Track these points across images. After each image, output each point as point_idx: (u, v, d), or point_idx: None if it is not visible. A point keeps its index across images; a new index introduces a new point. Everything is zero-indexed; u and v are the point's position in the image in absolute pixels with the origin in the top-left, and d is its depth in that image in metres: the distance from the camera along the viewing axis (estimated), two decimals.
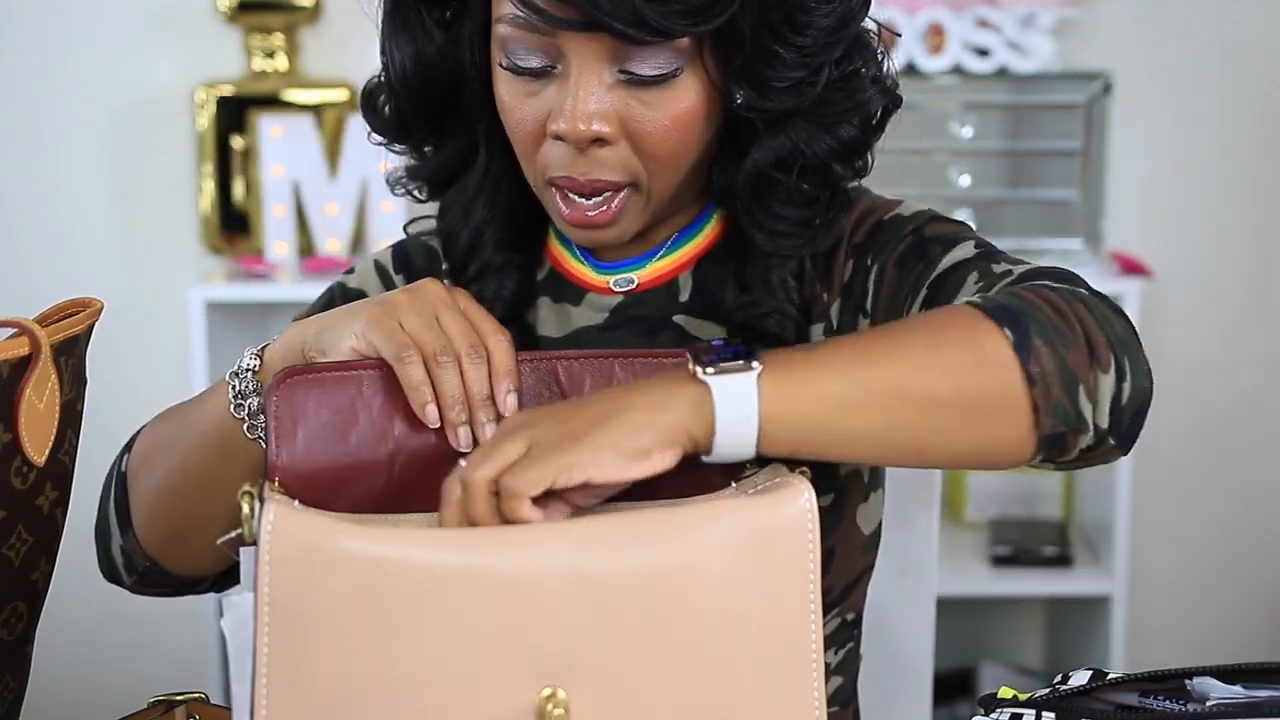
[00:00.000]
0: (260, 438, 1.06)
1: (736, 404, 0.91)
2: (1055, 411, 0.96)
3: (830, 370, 0.93)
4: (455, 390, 1.00)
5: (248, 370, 1.07)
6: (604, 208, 1.11)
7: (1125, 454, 1.01)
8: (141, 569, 1.17)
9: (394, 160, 1.25)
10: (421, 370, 1.00)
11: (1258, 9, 2.55)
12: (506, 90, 1.12)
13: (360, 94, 1.23)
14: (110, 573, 1.20)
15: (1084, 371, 0.97)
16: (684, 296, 1.20)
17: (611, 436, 0.89)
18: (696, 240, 1.21)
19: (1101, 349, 0.97)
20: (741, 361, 0.92)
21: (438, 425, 0.99)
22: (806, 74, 1.09)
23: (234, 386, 1.07)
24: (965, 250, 1.11)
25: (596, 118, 1.07)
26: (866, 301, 1.16)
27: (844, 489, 1.20)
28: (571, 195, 1.11)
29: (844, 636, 1.27)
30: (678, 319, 1.20)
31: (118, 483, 1.17)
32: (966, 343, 0.95)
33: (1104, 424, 0.98)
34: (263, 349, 1.08)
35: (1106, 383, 0.97)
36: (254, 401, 1.06)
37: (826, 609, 1.22)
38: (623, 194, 1.11)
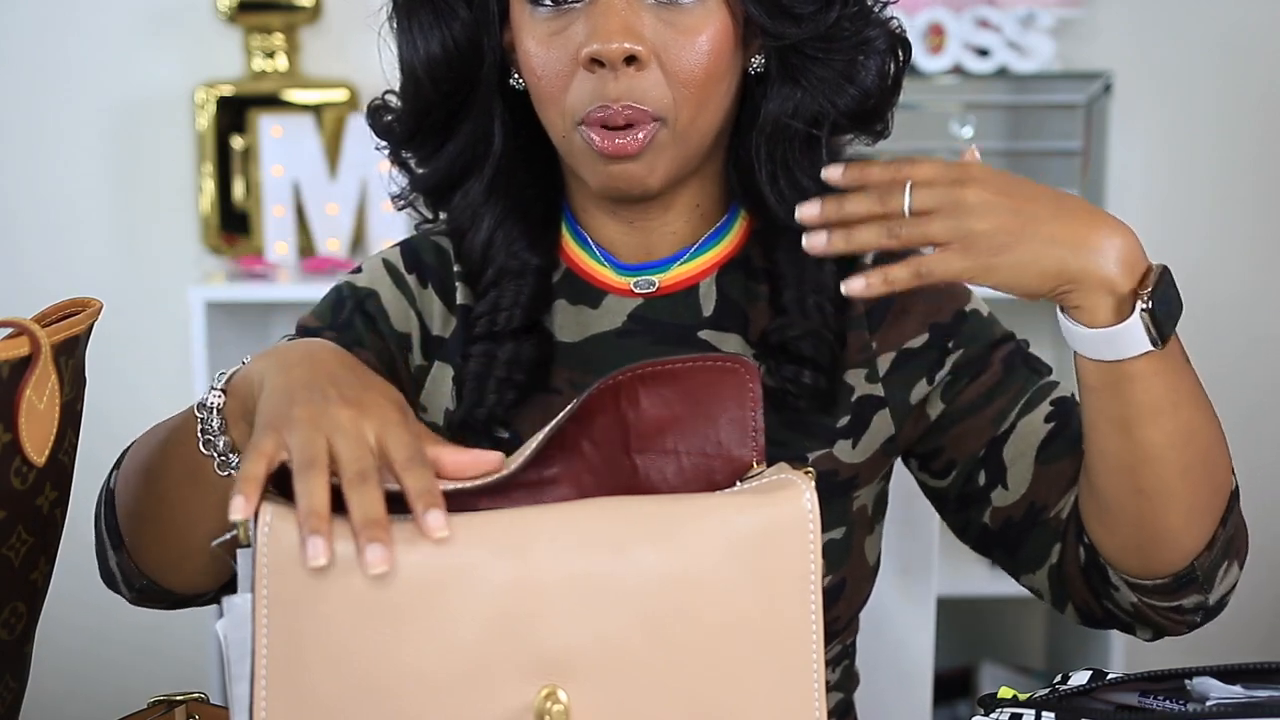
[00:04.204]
0: (233, 473, 0.99)
1: (1127, 339, 1.00)
2: (1212, 560, 1.09)
3: (1187, 391, 1.05)
4: (321, 504, 0.85)
5: (213, 408, 0.99)
6: (635, 135, 1.11)
7: (1177, 635, 1.15)
8: (139, 586, 1.13)
9: (397, 169, 1.24)
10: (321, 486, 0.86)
11: (1257, 9, 2.55)
12: (531, 36, 1.13)
13: (367, 111, 1.23)
14: (110, 583, 1.16)
15: (1233, 556, 1.11)
16: (707, 309, 1.20)
17: (1037, 265, 1.00)
18: (720, 246, 1.21)
19: (1245, 550, 1.13)
20: (1157, 336, 1.01)
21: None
22: (819, 5, 1.13)
23: (201, 422, 1.00)
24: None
25: (629, 34, 1.09)
26: (938, 374, 1.20)
27: (854, 523, 1.20)
28: (605, 129, 1.11)
29: (842, 656, 1.27)
30: (704, 334, 1.20)
31: (107, 502, 1.13)
32: (1226, 463, 1.10)
33: (1211, 603, 1.11)
34: (228, 381, 1.00)
35: (1233, 575, 1.12)
36: (222, 441, 0.99)
37: (831, 637, 1.22)
38: (652, 126, 1.12)
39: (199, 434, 1.00)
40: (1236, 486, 1.12)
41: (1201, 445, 1.06)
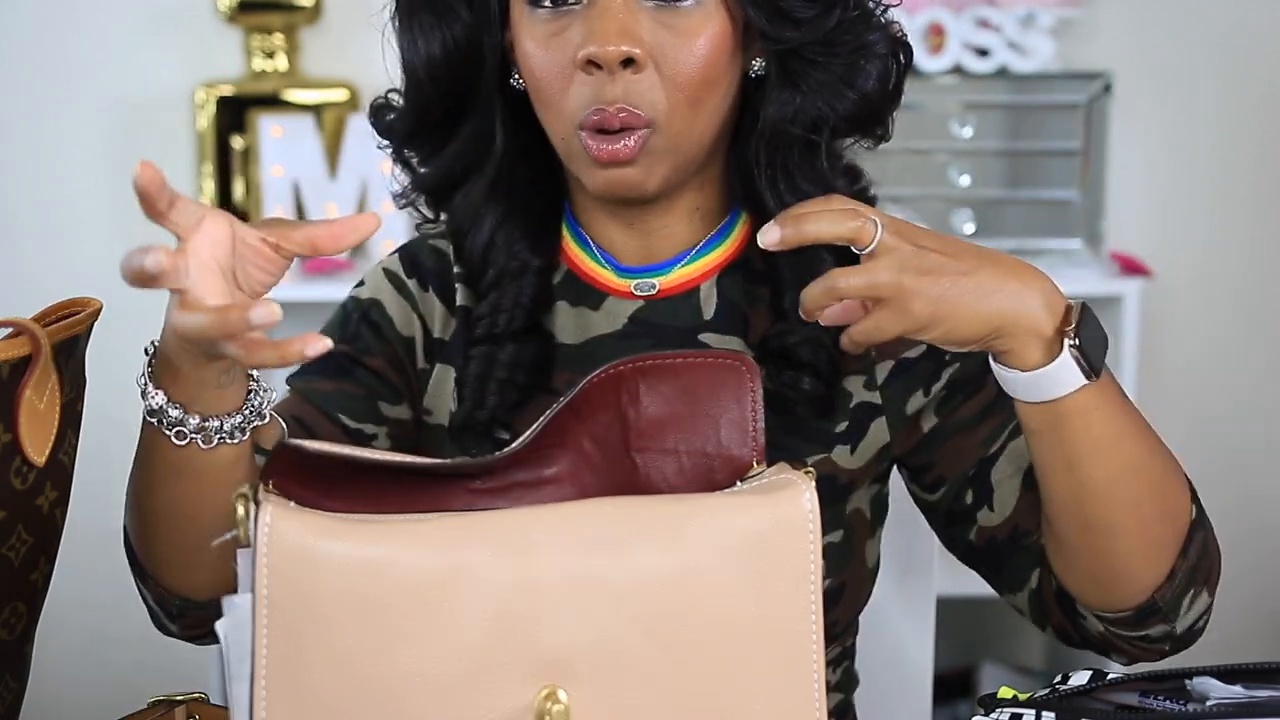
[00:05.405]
0: (193, 440, 0.99)
1: (1060, 377, 1.02)
2: (1175, 591, 1.09)
3: (1129, 426, 1.06)
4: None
5: (143, 385, 1.00)
6: (628, 142, 1.11)
7: (1150, 661, 1.14)
8: (176, 610, 1.11)
9: (399, 167, 1.24)
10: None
11: (1257, 9, 2.55)
12: (530, 37, 1.13)
13: (369, 109, 1.23)
14: (162, 628, 1.15)
15: (1199, 585, 1.10)
16: (708, 312, 1.20)
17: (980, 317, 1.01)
18: (721, 249, 1.21)
19: (1215, 576, 1.13)
20: (1089, 369, 1.02)
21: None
22: (820, 9, 1.13)
23: (149, 410, 1.00)
24: None
25: (626, 36, 1.09)
26: (934, 386, 1.20)
27: (851, 526, 1.20)
28: (600, 134, 1.12)
29: (842, 657, 1.28)
30: (704, 337, 1.19)
31: (125, 540, 1.12)
32: (1181, 495, 1.10)
33: (1179, 631, 1.11)
34: (151, 360, 1.01)
35: (1202, 603, 1.11)
36: (172, 413, 0.99)
37: (830, 640, 1.22)
38: (645, 132, 1.12)
39: (150, 418, 1.00)
40: (1198, 515, 1.11)
41: (1149, 479, 1.07)
